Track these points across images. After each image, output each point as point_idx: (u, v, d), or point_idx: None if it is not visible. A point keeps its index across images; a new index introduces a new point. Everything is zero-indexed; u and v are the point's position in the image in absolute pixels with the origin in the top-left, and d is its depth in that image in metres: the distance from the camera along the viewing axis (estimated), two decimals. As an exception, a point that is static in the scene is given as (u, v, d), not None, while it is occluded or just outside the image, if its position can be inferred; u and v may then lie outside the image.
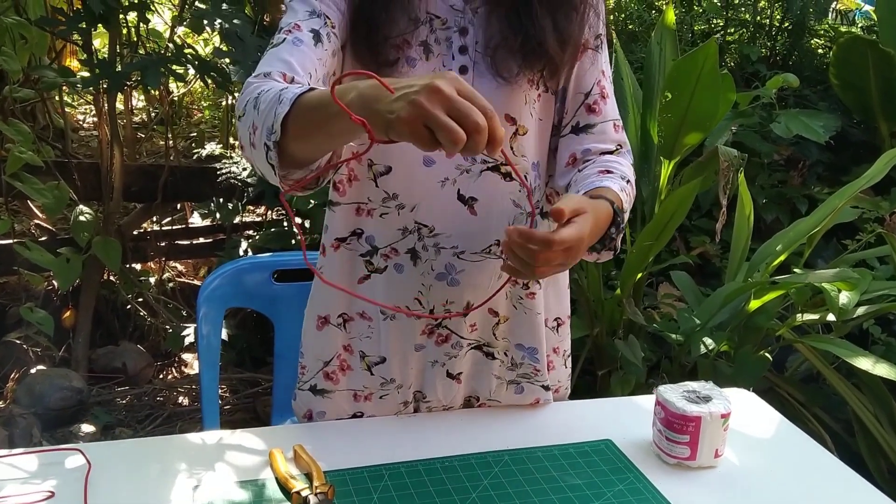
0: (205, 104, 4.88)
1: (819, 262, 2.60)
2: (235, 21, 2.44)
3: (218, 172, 2.94)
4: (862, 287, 1.94)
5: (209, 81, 2.66)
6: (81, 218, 2.63)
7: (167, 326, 2.97)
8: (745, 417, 1.27)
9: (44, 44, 2.87)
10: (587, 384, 2.39)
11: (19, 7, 2.71)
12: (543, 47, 1.09)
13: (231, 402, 2.82)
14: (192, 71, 2.67)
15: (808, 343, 2.10)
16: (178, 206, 3.57)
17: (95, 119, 3.47)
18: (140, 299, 3.11)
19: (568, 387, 1.36)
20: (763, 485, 1.11)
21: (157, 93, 3.43)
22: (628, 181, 1.15)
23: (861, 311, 2.01)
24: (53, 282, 2.92)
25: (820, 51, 3.63)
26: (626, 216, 1.12)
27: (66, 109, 3.52)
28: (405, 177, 1.13)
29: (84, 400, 2.63)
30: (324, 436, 1.18)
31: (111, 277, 3.05)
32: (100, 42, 3.38)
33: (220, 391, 2.23)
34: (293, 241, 2.81)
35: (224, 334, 1.71)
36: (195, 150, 3.63)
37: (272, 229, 2.97)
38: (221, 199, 2.98)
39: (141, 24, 2.78)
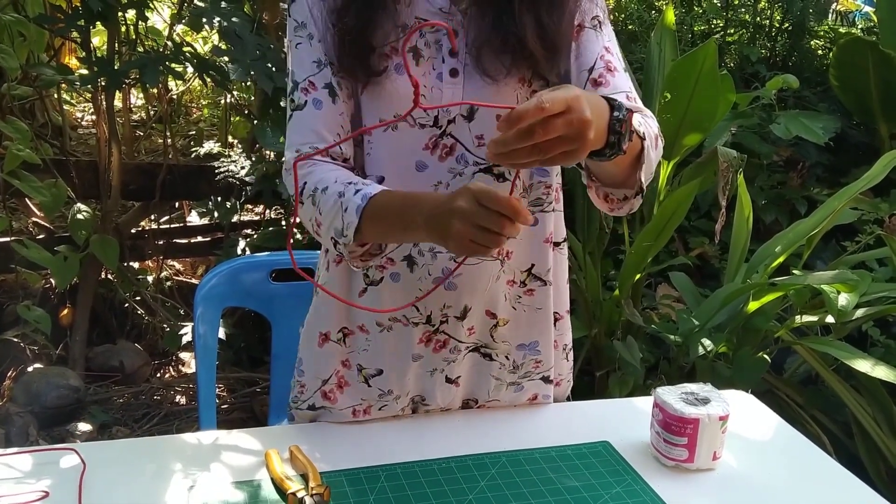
0: (203, 102, 4.88)
1: (818, 264, 2.59)
2: (234, 19, 2.44)
3: (216, 171, 2.93)
4: (861, 289, 1.94)
5: (208, 80, 2.66)
6: (79, 216, 2.62)
7: (165, 325, 2.96)
8: (744, 420, 1.27)
9: (42, 41, 2.87)
10: (585, 385, 2.39)
11: (18, 4, 2.70)
12: (524, 44, 1.07)
13: (228, 401, 2.82)
14: (190, 69, 2.66)
15: (807, 345, 2.09)
16: (177, 204, 3.56)
17: (94, 117, 3.47)
18: (138, 298, 3.10)
19: (570, 380, 1.36)
20: (761, 487, 1.10)
21: (155, 91, 3.43)
22: (644, 116, 1.06)
23: (860, 313, 2.00)
24: (51, 280, 2.92)
25: (820, 52, 3.63)
26: (640, 130, 1.00)
27: (65, 107, 3.52)
28: (399, 184, 1.12)
29: (81, 398, 2.63)
30: (320, 437, 1.18)
31: (109, 276, 3.04)
32: (98, 40, 3.38)
33: (217, 390, 2.22)
34: (291, 241, 2.79)
35: (221, 333, 1.71)
36: (193, 149, 3.63)
37: (270, 228, 2.96)
38: (220, 198, 2.97)
39: (140, 22, 2.78)
